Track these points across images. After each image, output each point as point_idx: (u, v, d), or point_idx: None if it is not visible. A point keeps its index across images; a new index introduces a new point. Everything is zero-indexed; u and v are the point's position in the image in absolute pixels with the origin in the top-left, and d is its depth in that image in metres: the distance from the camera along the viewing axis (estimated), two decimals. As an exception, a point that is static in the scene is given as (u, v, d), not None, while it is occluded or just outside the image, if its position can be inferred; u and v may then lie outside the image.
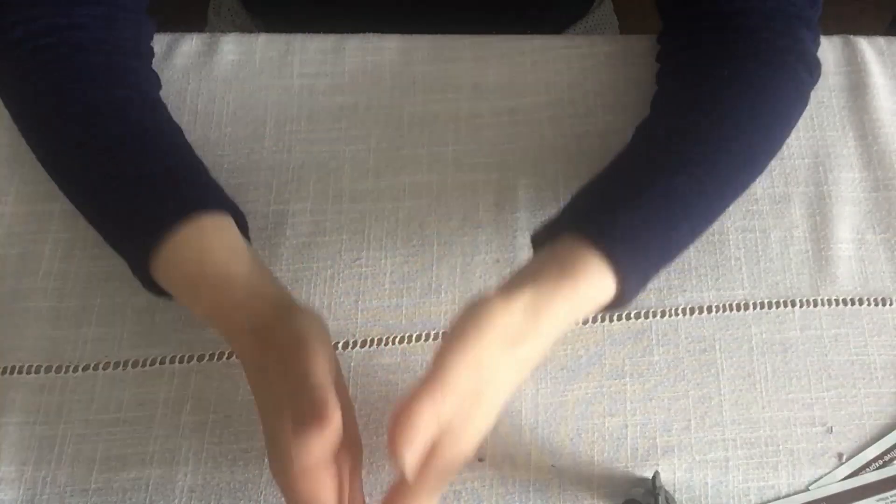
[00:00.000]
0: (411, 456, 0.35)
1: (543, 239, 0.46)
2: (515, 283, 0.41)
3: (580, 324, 0.54)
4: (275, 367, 0.41)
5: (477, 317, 0.38)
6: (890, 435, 0.52)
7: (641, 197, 0.46)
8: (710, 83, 0.52)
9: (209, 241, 0.45)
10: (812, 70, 0.55)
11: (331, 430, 0.38)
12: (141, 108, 0.52)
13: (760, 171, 0.53)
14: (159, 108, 0.55)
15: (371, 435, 0.51)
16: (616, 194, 0.47)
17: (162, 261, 0.45)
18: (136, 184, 0.48)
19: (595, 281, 0.42)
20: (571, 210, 0.47)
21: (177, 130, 0.54)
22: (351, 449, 0.42)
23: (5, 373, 0.53)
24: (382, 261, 0.56)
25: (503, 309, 0.39)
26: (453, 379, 0.37)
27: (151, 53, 0.59)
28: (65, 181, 0.52)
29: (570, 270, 0.41)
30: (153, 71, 0.58)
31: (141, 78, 0.55)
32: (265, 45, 0.64)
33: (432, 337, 0.54)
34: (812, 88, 0.56)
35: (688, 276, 0.56)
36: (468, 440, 0.39)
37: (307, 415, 0.38)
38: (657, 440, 0.51)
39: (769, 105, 0.51)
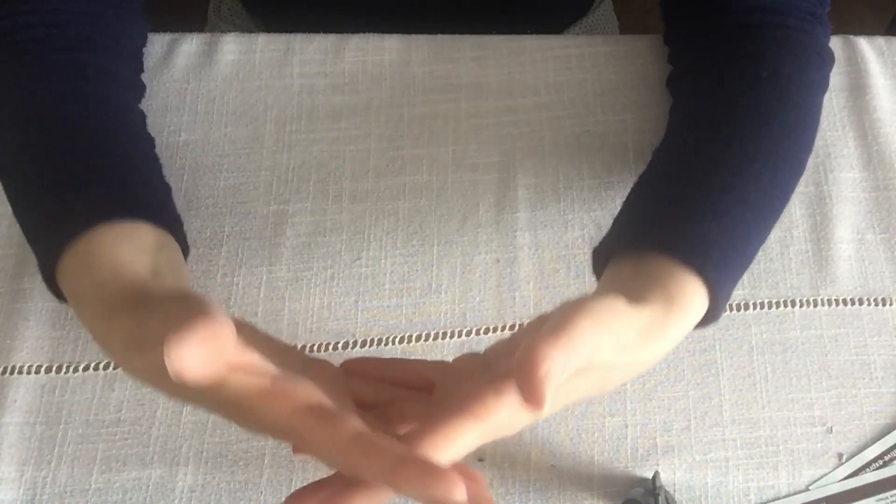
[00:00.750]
0: (546, 394, 0.31)
1: (612, 251, 0.45)
2: (624, 294, 0.39)
3: None
4: (155, 332, 0.35)
5: (604, 307, 0.36)
6: (890, 435, 0.52)
7: (718, 207, 0.44)
8: (751, 84, 0.51)
9: (97, 256, 0.42)
10: (829, 62, 0.55)
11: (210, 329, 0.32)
12: (88, 106, 0.50)
13: (804, 167, 0.52)
14: (115, 105, 0.52)
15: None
16: (690, 202, 0.45)
17: (61, 274, 0.43)
18: (50, 188, 0.45)
19: (698, 310, 0.41)
20: (644, 219, 0.45)
21: (128, 128, 0.51)
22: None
23: (5, 373, 0.53)
24: (382, 261, 0.56)
25: (629, 314, 0.37)
26: (577, 340, 0.33)
27: (137, 53, 0.58)
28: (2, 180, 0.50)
29: (679, 299, 0.40)
30: (131, 69, 0.57)
31: (105, 75, 0.53)
32: (265, 45, 0.64)
33: (432, 337, 0.54)
34: (829, 79, 0.56)
35: (688, 276, 0.56)
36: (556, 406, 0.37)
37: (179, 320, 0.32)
38: (657, 440, 0.51)
39: (807, 102, 0.51)
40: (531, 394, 0.32)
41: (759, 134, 0.48)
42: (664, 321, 0.39)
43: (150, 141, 0.53)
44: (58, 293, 0.44)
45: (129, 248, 0.43)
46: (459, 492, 0.30)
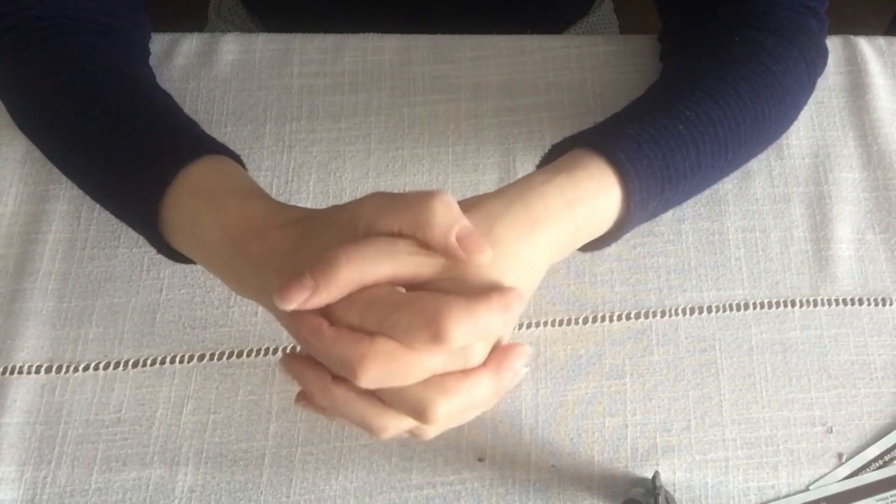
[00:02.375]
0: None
1: (550, 153, 0.46)
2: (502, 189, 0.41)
3: (588, 239, 0.47)
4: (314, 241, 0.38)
5: (470, 206, 0.39)
6: (890, 435, 0.52)
7: (649, 116, 0.46)
8: (724, 46, 0.52)
9: (222, 172, 0.44)
10: (821, 54, 0.55)
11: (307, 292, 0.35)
12: (123, 76, 0.51)
13: (766, 139, 0.53)
14: (146, 77, 0.54)
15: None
16: (623, 118, 0.47)
17: (170, 209, 0.43)
18: (136, 137, 0.46)
19: (595, 175, 0.41)
20: (575, 134, 0.46)
21: (167, 95, 0.53)
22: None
23: (5, 373, 0.53)
24: (382, 261, 0.56)
25: (482, 198, 0.39)
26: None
27: (146, 46, 0.59)
28: (66, 157, 0.51)
29: (566, 168, 0.41)
30: (144, 59, 0.58)
31: (125, 57, 0.54)
32: (265, 45, 0.64)
33: (432, 337, 0.54)
34: (819, 75, 0.56)
35: (688, 276, 0.56)
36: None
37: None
38: (657, 440, 0.51)
39: (780, 71, 0.51)
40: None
41: (712, 76, 0.49)
42: (542, 185, 0.40)
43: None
44: (161, 243, 0.45)
45: (236, 175, 0.45)
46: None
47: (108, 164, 0.47)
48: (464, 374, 0.35)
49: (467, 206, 0.39)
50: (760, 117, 0.50)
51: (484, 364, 0.36)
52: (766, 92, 0.50)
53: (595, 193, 0.41)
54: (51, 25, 0.51)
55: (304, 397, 0.38)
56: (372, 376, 0.34)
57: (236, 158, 0.47)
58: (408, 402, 0.35)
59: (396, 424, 0.36)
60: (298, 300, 0.35)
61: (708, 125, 0.47)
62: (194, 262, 0.46)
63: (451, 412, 0.35)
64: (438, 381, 0.35)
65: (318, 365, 0.36)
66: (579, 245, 0.43)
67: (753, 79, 0.50)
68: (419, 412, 0.35)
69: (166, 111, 0.49)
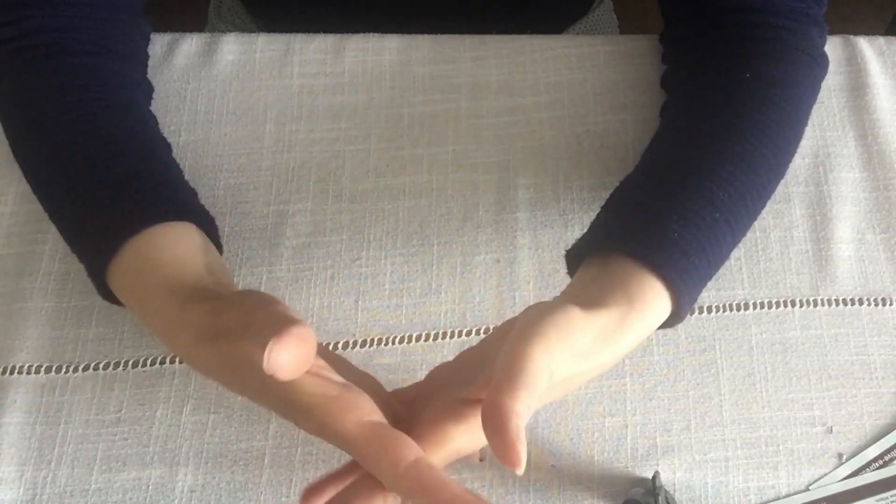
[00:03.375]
0: (523, 454, 0.33)
1: (583, 253, 0.45)
2: (582, 300, 0.40)
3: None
4: (232, 327, 0.38)
5: (557, 324, 0.37)
6: (890, 435, 0.52)
7: (685, 208, 0.44)
8: (732, 85, 0.51)
9: (158, 253, 0.44)
10: (823, 65, 0.55)
11: (296, 337, 0.35)
12: (109, 110, 0.51)
13: (786, 171, 0.52)
14: (132, 109, 0.53)
15: (371, 435, 0.51)
16: (658, 204, 0.45)
17: (114, 273, 0.44)
18: (93, 192, 0.46)
19: (659, 311, 0.42)
20: (614, 222, 0.46)
21: (148, 132, 0.52)
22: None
23: (5, 373, 0.53)
24: (382, 261, 0.56)
25: (583, 323, 0.38)
26: (533, 380, 0.35)
27: (143, 55, 0.59)
28: (31, 183, 0.51)
29: (639, 302, 0.41)
30: (139, 71, 0.57)
31: (118, 78, 0.53)
32: (265, 45, 0.64)
33: (432, 337, 0.54)
34: (822, 83, 0.56)
35: (688, 276, 0.56)
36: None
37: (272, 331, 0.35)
38: (657, 440, 0.51)
39: (792, 105, 0.51)
40: (510, 457, 0.33)
41: (734, 135, 0.48)
42: (621, 323, 0.40)
43: (168, 145, 0.53)
44: (107, 294, 0.45)
45: (186, 246, 0.45)
46: None
47: (67, 209, 0.48)
48: None
49: (552, 337, 0.37)
50: (782, 165, 0.50)
51: None
52: (784, 136, 0.50)
53: (655, 323, 0.42)
54: (43, 43, 0.51)
55: None
56: None
57: (200, 221, 0.47)
58: None
59: None
60: None
61: (740, 203, 0.46)
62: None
63: None
64: None
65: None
66: None
67: (771, 128, 0.49)
68: None
69: (140, 161, 0.49)
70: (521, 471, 0.33)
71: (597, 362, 0.39)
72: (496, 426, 0.33)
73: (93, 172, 0.47)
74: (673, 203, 0.45)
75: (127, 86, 0.54)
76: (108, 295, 0.46)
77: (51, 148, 0.49)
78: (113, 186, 0.46)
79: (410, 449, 0.35)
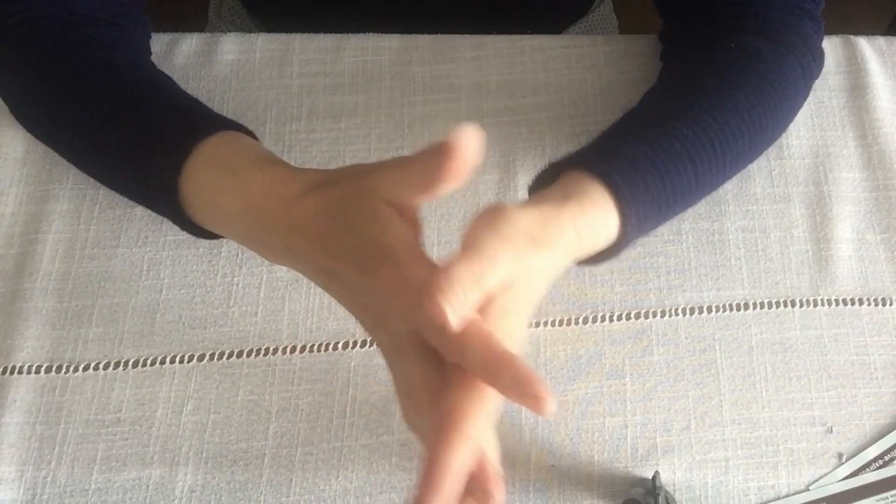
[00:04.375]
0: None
1: (545, 182, 0.46)
2: (521, 203, 0.41)
3: (577, 262, 0.47)
4: (349, 174, 0.40)
5: (499, 215, 0.37)
6: (890, 435, 0.52)
7: (642, 135, 0.46)
8: (720, 55, 0.52)
9: (237, 144, 0.45)
10: (816, 58, 0.55)
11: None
12: (137, 64, 0.53)
13: (763, 148, 0.53)
14: (154, 67, 0.55)
15: (371, 435, 0.51)
16: (617, 135, 0.47)
17: (193, 173, 0.43)
18: (151, 119, 0.47)
19: (603, 210, 0.42)
20: (572, 154, 0.47)
21: (173, 81, 0.54)
22: None
23: (5, 373, 0.53)
24: (382, 261, 0.56)
25: (519, 213, 0.38)
26: (492, 254, 0.35)
27: (148, 47, 0.59)
28: (79, 145, 0.51)
29: (576, 195, 0.41)
30: (148, 52, 0.59)
31: (138, 42, 0.56)
32: (265, 44, 0.64)
33: (432, 337, 0.54)
34: (816, 78, 0.56)
35: (688, 276, 0.56)
36: (508, 333, 0.37)
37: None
38: (657, 440, 0.51)
39: (773, 75, 0.51)
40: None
41: (709, 88, 0.50)
42: (559, 212, 0.40)
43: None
44: (182, 217, 0.45)
45: (250, 146, 0.45)
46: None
47: (125, 147, 0.47)
48: None
49: (486, 232, 0.38)
50: (757, 129, 0.50)
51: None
52: (763, 102, 0.50)
53: (598, 221, 0.42)
54: (56, 22, 0.52)
55: None
56: None
57: (248, 132, 0.48)
58: None
59: None
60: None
61: (706, 142, 0.47)
62: (219, 237, 0.46)
63: None
64: None
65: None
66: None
67: (750, 90, 0.50)
68: None
69: (177, 94, 0.50)
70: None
71: (552, 245, 0.39)
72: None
73: (141, 108, 0.48)
74: (630, 132, 0.47)
75: (141, 53, 0.56)
76: (186, 222, 0.45)
77: (89, 101, 0.49)
78: (165, 113, 0.47)
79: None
